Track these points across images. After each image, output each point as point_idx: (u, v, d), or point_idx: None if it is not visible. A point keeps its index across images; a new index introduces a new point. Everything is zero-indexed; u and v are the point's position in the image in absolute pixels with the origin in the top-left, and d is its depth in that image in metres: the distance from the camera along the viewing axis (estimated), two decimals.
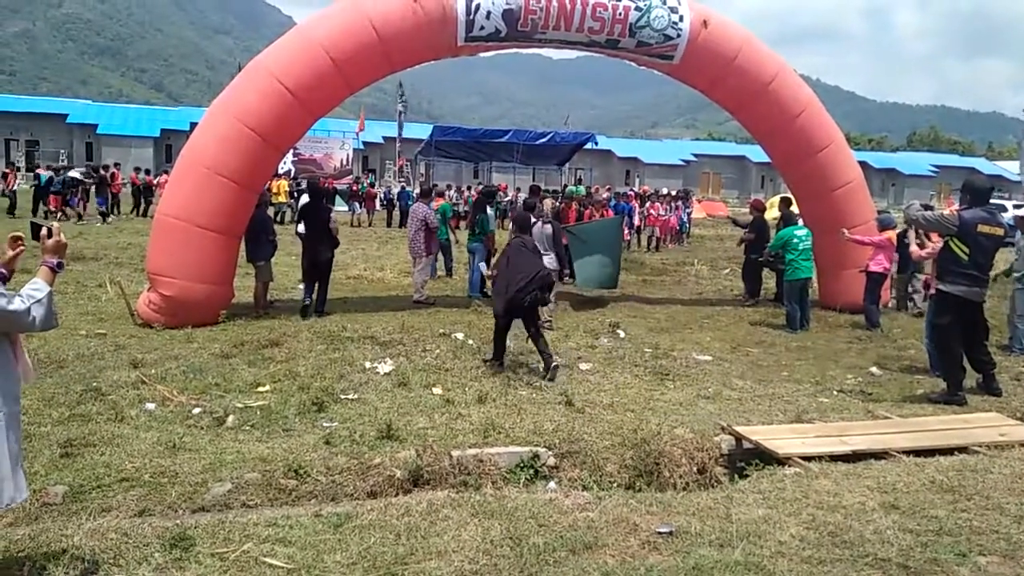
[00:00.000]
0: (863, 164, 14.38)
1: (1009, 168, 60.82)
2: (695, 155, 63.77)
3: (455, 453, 5.17)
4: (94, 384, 6.39)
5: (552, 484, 5.17)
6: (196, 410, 5.95)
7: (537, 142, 23.35)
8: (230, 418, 5.78)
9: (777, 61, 11.14)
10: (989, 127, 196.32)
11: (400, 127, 32.01)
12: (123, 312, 9.21)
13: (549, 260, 9.67)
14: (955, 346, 7.18)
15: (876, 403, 6.98)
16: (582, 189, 25.11)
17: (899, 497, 4.43)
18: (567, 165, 30.29)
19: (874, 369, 8.32)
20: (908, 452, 5.37)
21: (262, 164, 9.39)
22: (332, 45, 9.12)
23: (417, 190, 18.36)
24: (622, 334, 9.57)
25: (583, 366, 7.94)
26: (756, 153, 50.79)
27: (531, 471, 5.25)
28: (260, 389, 6.55)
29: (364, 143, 45.92)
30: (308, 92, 9.12)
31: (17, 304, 3.01)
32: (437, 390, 6.73)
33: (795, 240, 10.34)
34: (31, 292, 3.08)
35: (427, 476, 4.94)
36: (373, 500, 4.52)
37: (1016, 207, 21.83)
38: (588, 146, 27.98)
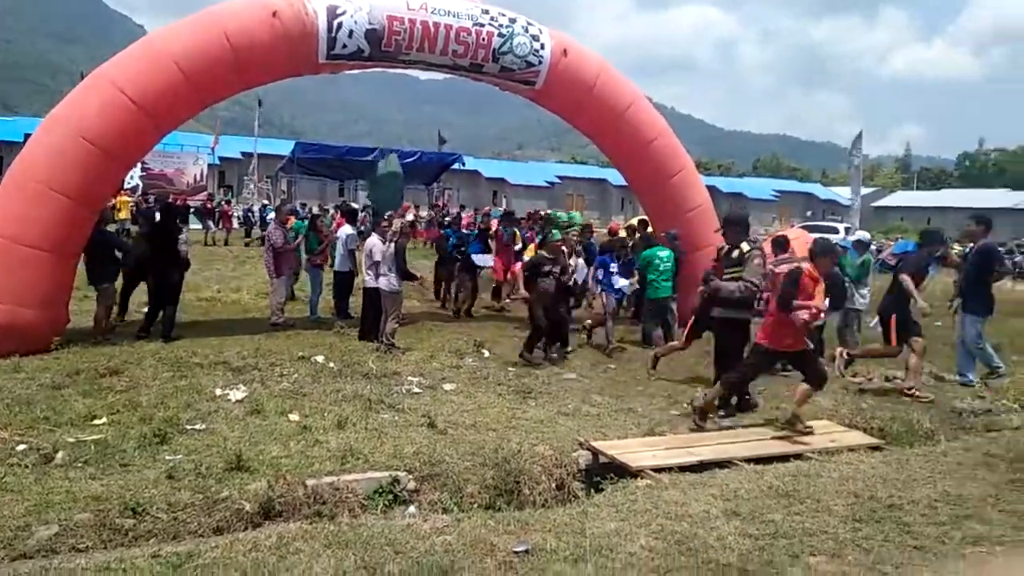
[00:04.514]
0: (712, 188, 15.28)
1: (842, 193, 66.56)
2: (559, 177, 65.62)
3: (310, 482, 4.98)
4: None
5: (412, 508, 5.10)
6: (20, 447, 5.43)
7: (404, 161, 23.20)
8: (59, 454, 5.31)
9: (632, 90, 11.67)
10: (824, 155, 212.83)
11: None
12: None
13: (386, 281, 9.58)
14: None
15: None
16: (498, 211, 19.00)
17: (740, 504, 4.69)
18: (435, 185, 30.34)
19: None
20: (749, 460, 5.72)
21: (103, 179, 8.77)
22: (183, 57, 8.69)
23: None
24: (487, 354, 9.62)
25: (447, 386, 7.91)
26: (616, 177, 52.58)
27: (390, 496, 5.15)
28: (96, 422, 6.07)
29: (220, 158, 44.00)
30: (155, 105, 8.64)
31: None
32: (294, 416, 6.49)
33: (656, 261, 10.71)
34: None
35: (279, 508, 4.72)
36: (219, 537, 4.28)
37: (847, 230, 23.75)
38: (455, 166, 28.20)
